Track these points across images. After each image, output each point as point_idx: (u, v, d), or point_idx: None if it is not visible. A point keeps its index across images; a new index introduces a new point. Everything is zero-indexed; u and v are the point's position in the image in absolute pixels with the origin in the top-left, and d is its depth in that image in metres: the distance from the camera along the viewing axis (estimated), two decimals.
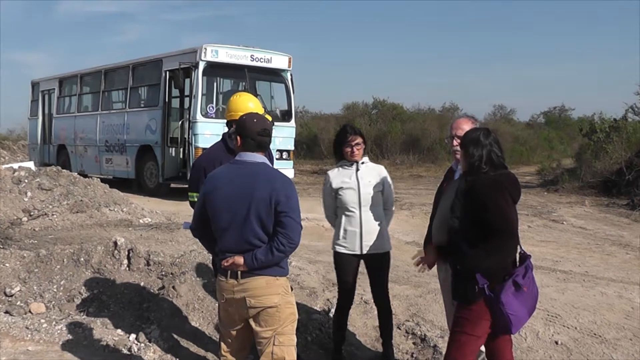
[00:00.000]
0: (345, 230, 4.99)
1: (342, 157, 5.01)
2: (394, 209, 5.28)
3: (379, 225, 4.97)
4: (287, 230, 3.52)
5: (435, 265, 4.54)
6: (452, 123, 4.54)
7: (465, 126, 4.36)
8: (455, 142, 4.35)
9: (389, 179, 5.13)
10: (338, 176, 5.04)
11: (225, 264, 3.66)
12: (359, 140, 4.96)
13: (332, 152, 5.23)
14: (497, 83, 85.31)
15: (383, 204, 5.06)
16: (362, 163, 5.02)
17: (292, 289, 3.81)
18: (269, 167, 3.66)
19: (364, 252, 4.97)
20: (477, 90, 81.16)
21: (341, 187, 4.98)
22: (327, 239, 10.67)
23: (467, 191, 3.73)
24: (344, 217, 5.00)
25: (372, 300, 5.30)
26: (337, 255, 5.06)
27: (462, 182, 3.88)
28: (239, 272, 3.64)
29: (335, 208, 5.08)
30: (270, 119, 4.89)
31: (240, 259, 3.60)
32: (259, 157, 3.68)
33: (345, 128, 5.03)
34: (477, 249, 3.63)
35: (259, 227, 3.56)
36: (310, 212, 13.30)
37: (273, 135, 3.93)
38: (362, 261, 5.08)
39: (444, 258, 4.21)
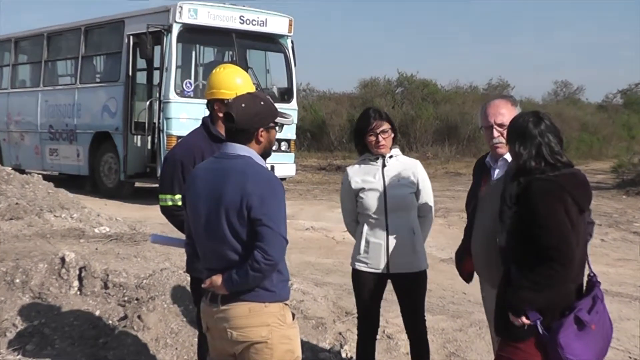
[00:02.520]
0: (367, 242, 5.00)
1: (365, 149, 5.03)
2: (432, 215, 5.27)
3: (411, 237, 4.99)
4: (262, 243, 3.54)
5: (480, 291, 4.52)
6: (485, 109, 4.48)
7: (505, 110, 4.34)
8: (496, 133, 4.34)
9: (426, 177, 5.12)
10: (359, 173, 5.06)
11: (204, 285, 3.75)
12: (386, 126, 4.96)
13: (354, 143, 5.23)
14: (559, 53, 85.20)
15: (418, 209, 5.07)
16: (391, 157, 5.03)
17: (294, 318, 3.82)
18: (249, 163, 3.68)
19: (391, 271, 4.98)
20: (533, 63, 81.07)
21: (362, 188, 5.00)
22: (338, 255, 10.72)
23: (518, 197, 3.69)
24: (366, 226, 5.01)
25: (398, 335, 5.30)
26: (357, 274, 5.09)
27: (511, 185, 3.83)
28: (220, 296, 3.70)
29: (356, 214, 5.10)
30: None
31: (218, 279, 3.67)
32: (242, 150, 3.72)
33: (368, 112, 5.05)
34: (522, 279, 3.59)
35: (234, 239, 3.62)
36: (317, 219, 13.30)
37: None
38: (389, 281, 5.09)
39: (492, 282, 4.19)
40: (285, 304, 3.77)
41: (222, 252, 3.65)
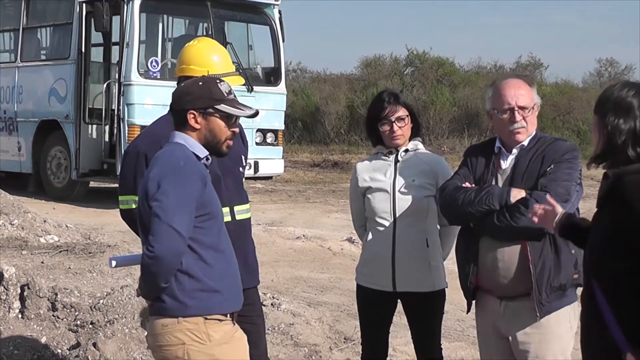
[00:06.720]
0: (372, 252, 5.00)
1: (380, 140, 5.02)
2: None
3: (423, 249, 4.95)
4: (150, 234, 3.66)
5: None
6: (500, 89, 4.47)
7: (525, 91, 4.41)
8: (518, 117, 4.36)
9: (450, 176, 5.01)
10: (368, 170, 5.06)
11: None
12: (403, 112, 4.92)
13: (366, 133, 5.24)
14: (604, 25, 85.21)
15: (439, 217, 5.00)
16: (407, 151, 4.99)
17: (233, 324, 3.86)
18: (172, 150, 3.80)
19: (398, 289, 4.95)
20: (572, 37, 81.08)
21: (369, 188, 4.99)
22: (336, 269, 10.68)
23: (606, 196, 3.35)
24: (371, 234, 5.02)
25: None
26: (360, 291, 5.10)
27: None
28: (150, 309, 3.87)
29: (365, 218, 5.11)
30: (241, 81, 4.95)
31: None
32: (178, 137, 3.86)
33: (382, 95, 5.03)
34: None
35: (144, 234, 3.79)
36: (310, 226, 13.29)
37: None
38: (399, 301, 5.07)
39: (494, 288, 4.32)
40: (211, 319, 3.78)
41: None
